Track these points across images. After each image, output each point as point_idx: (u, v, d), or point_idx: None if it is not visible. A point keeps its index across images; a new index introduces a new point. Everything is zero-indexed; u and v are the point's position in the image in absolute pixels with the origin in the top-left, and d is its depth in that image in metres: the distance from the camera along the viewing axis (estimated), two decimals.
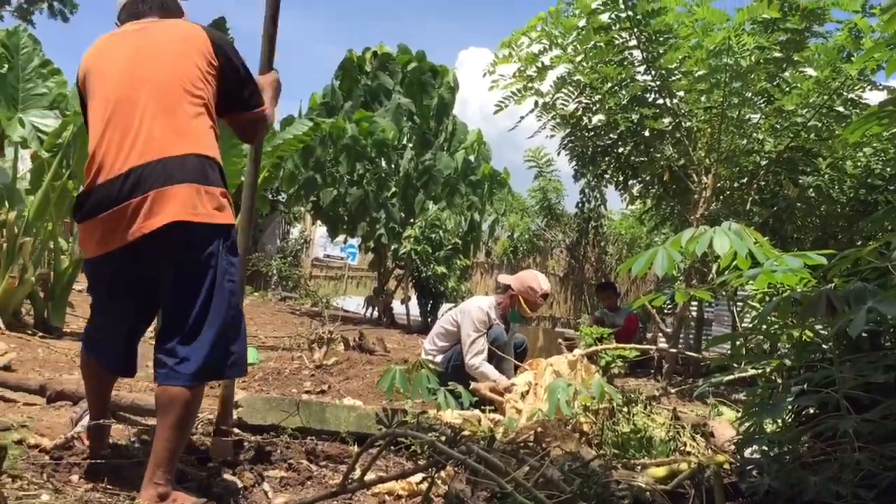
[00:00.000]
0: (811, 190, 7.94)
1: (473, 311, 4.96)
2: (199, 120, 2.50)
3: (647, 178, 8.09)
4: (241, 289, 2.62)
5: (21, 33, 6.86)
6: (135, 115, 2.43)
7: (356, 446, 3.15)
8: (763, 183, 7.65)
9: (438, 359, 5.02)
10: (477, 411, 3.95)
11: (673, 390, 4.57)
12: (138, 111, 2.44)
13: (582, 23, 6.84)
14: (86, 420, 2.82)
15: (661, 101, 7.08)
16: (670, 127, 7.20)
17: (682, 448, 3.20)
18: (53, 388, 3.79)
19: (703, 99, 6.93)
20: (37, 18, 27.62)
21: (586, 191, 14.28)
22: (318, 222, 13.97)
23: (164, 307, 2.52)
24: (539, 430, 2.93)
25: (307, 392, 4.89)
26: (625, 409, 3.27)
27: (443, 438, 1.95)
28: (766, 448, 2.72)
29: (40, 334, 6.54)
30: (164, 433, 2.36)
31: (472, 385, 4.31)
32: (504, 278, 5.27)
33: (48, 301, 6.98)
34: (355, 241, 14.05)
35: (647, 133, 7.45)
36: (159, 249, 2.41)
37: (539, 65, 7.08)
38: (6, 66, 6.65)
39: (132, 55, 2.54)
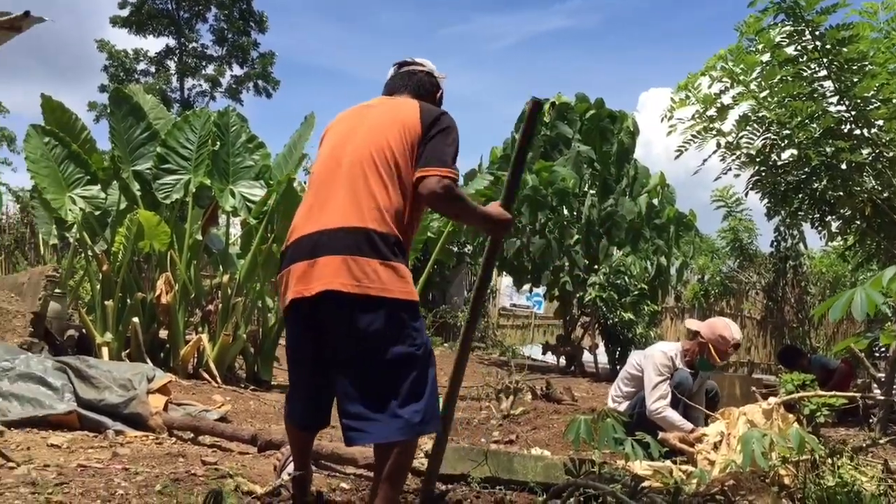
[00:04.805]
0: None
1: (656, 355, 4.86)
2: (383, 193, 2.58)
3: (847, 213, 7.59)
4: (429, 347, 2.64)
5: (230, 113, 7.59)
6: (329, 187, 2.64)
7: (544, 496, 3.17)
8: None
9: (624, 405, 4.94)
10: (668, 462, 3.85)
11: (883, 440, 4.22)
12: (332, 183, 2.63)
13: (765, 57, 6.61)
14: (290, 467, 3.04)
15: (857, 132, 6.66)
16: (870, 158, 6.74)
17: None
18: (263, 438, 4.10)
19: None
20: (244, 96, 30.42)
21: (781, 229, 13.55)
22: (504, 272, 14.16)
23: (345, 370, 2.57)
24: (731, 482, 2.82)
25: (495, 442, 4.96)
26: (829, 461, 3.07)
27: (625, 490, 1.95)
28: None
29: (251, 387, 7.09)
30: (381, 485, 2.49)
31: (661, 435, 4.20)
32: (693, 324, 5.10)
33: (258, 356, 7.56)
34: (541, 290, 14.09)
35: (843, 166, 7.01)
36: (324, 314, 2.54)
37: (719, 105, 6.89)
38: (218, 143, 7.37)
39: (347, 132, 2.75)
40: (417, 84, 2.95)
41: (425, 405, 2.55)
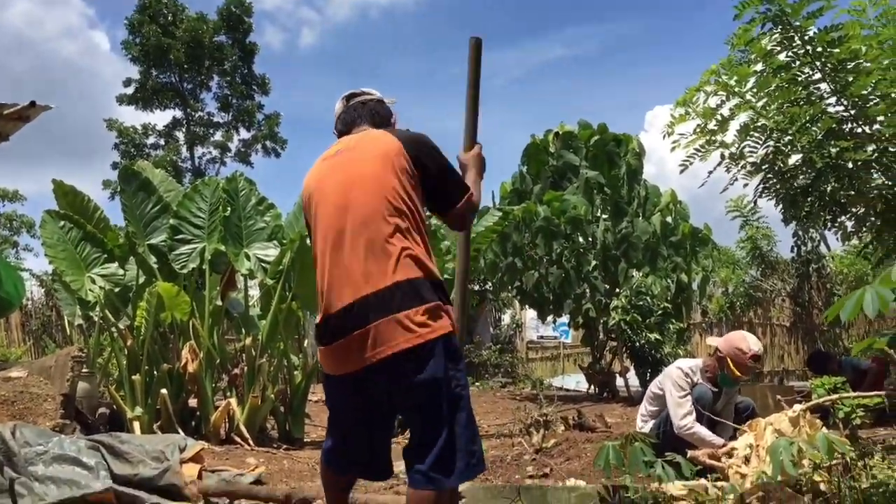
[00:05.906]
0: None
1: (673, 372, 4.88)
2: (404, 241, 2.60)
3: (860, 211, 7.54)
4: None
5: (238, 178, 7.71)
6: (348, 251, 2.61)
7: None
8: None
9: (650, 424, 4.95)
10: (703, 481, 3.81)
11: None
12: (351, 247, 2.61)
13: (759, 66, 6.65)
14: None
15: (859, 130, 6.66)
16: (875, 155, 6.72)
17: None
18: (297, 496, 4.14)
19: None
20: (253, 158, 30.86)
21: (800, 233, 13.51)
22: (526, 306, 14.16)
23: (404, 420, 2.65)
24: (760, 494, 2.79)
25: (530, 477, 4.94)
26: (860, 463, 3.04)
27: None
28: None
29: (284, 447, 7.09)
30: None
31: (690, 453, 4.18)
32: (713, 340, 5.10)
33: (288, 414, 7.58)
34: (565, 319, 14.06)
35: (850, 165, 6.99)
36: (385, 377, 2.57)
37: (719, 117, 6.92)
38: (229, 208, 7.48)
39: (340, 187, 2.69)
40: (372, 113, 2.93)
41: (478, 447, 2.62)
